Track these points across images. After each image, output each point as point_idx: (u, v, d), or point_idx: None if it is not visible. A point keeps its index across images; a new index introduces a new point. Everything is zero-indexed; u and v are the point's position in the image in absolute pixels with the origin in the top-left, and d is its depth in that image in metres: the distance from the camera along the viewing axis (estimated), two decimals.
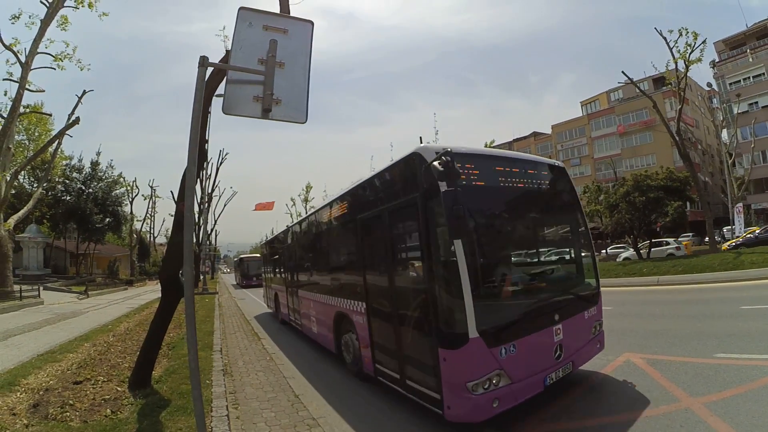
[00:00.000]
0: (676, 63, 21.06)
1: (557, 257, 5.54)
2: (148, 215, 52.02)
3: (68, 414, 4.72)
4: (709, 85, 44.88)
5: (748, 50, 45.19)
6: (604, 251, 32.59)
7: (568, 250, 5.54)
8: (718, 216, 37.96)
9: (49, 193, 32.78)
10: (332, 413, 4.98)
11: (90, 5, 18.37)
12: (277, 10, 5.69)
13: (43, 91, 20.87)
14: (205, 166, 25.30)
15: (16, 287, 18.93)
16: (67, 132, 21.39)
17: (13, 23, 18.40)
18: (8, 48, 18.13)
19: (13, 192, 23.39)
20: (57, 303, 18.89)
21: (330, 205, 7.47)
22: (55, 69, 19.63)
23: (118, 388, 5.66)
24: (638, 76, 30.47)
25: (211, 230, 40.07)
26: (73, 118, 21.19)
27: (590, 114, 55.65)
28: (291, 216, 53.41)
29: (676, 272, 15.87)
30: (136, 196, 46.02)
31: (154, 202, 49.86)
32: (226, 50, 5.29)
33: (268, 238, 18.03)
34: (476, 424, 4.00)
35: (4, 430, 4.39)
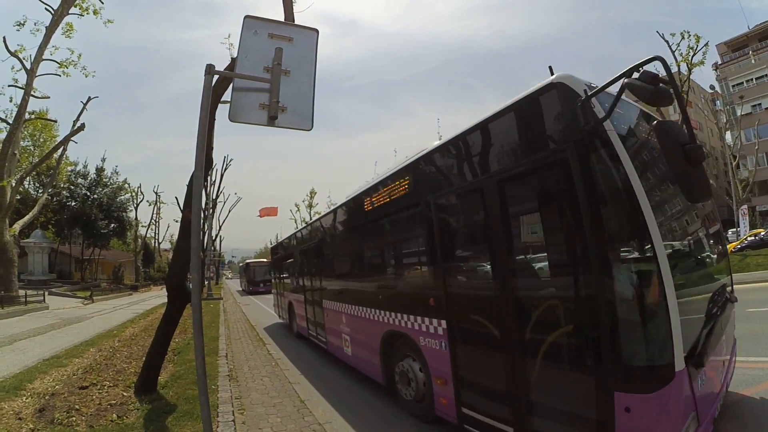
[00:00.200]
0: (678, 66, 21.07)
1: (713, 242, 4.16)
2: (152, 221, 52.25)
3: (74, 419, 4.73)
4: (712, 87, 44.88)
5: (750, 52, 45.18)
6: None
7: (720, 232, 4.31)
8: (723, 218, 37.74)
9: (54, 198, 33.00)
10: (338, 419, 4.98)
11: (95, 12, 18.58)
12: (281, 18, 5.74)
13: (48, 97, 21.08)
14: (210, 172, 25.42)
15: (22, 292, 19.02)
16: (72, 138, 21.61)
17: (18, 30, 18.65)
18: (13, 54, 18.36)
19: (19, 197, 23.56)
20: (62, 308, 18.97)
21: (375, 188, 5.65)
22: (60, 76, 19.89)
23: (124, 393, 5.67)
24: None
25: (216, 236, 40.15)
26: (78, 124, 21.41)
27: None
28: (295, 222, 53.27)
29: None
30: (140, 201, 46.24)
31: (159, 208, 49.99)
32: (232, 58, 5.33)
33: (280, 240, 15.98)
34: None
35: None
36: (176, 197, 40.47)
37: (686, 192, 2.37)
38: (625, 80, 2.45)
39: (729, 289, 4.10)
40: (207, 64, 3.32)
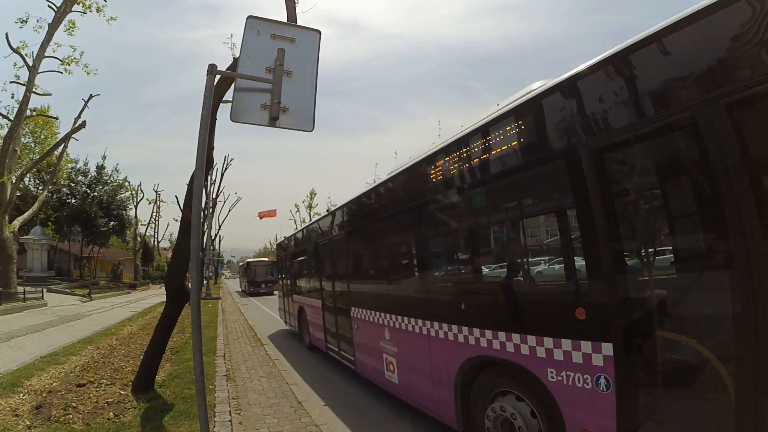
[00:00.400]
0: None
1: None
2: (152, 219, 52.25)
3: (71, 416, 4.72)
4: None
5: None
6: None
7: None
8: None
9: (55, 195, 33.01)
10: (335, 420, 4.98)
11: (98, 10, 18.63)
12: (284, 18, 5.76)
13: (50, 94, 21.17)
14: (210, 171, 25.47)
15: (20, 289, 19.02)
16: (73, 136, 21.59)
17: (21, 27, 18.70)
18: (16, 51, 18.41)
19: (19, 194, 23.57)
20: (60, 305, 18.95)
21: (463, 142, 3.80)
22: (62, 73, 19.98)
23: (122, 392, 5.67)
24: None
25: (216, 235, 40.09)
26: (79, 121, 21.41)
27: None
28: (295, 222, 53.32)
29: None
30: (140, 200, 46.30)
31: (159, 207, 50.06)
32: (234, 58, 5.36)
33: (279, 240, 14.43)
34: None
35: (7, 431, 4.40)
36: (176, 196, 40.60)
37: None
38: None
39: None
40: (209, 64, 3.34)
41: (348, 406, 5.48)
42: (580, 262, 2.73)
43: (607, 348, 2.48)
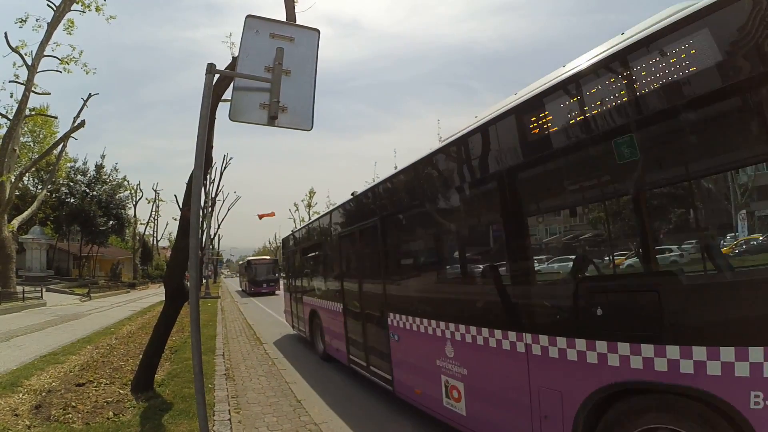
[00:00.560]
0: None
1: None
2: (151, 219, 52.18)
3: (70, 416, 4.73)
4: None
5: None
6: None
7: None
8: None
9: (54, 195, 32.98)
10: (335, 418, 4.99)
11: (98, 9, 18.65)
12: (283, 18, 5.76)
13: (49, 93, 21.14)
14: (209, 170, 25.50)
15: (19, 288, 19.01)
16: (72, 135, 21.59)
17: (20, 27, 18.67)
18: (15, 50, 18.40)
19: (18, 193, 23.54)
20: (59, 305, 18.93)
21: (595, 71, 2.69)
22: (61, 72, 20.00)
23: (121, 391, 5.67)
24: None
25: (215, 234, 40.04)
26: (78, 121, 21.43)
27: None
28: (294, 222, 53.33)
29: None
30: (139, 199, 46.20)
31: (158, 206, 50.01)
32: (233, 57, 5.35)
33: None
34: None
35: (6, 430, 4.40)
36: (175, 195, 40.56)
37: None
38: None
39: None
40: (208, 63, 3.33)
41: (348, 405, 5.49)
42: None
43: None
